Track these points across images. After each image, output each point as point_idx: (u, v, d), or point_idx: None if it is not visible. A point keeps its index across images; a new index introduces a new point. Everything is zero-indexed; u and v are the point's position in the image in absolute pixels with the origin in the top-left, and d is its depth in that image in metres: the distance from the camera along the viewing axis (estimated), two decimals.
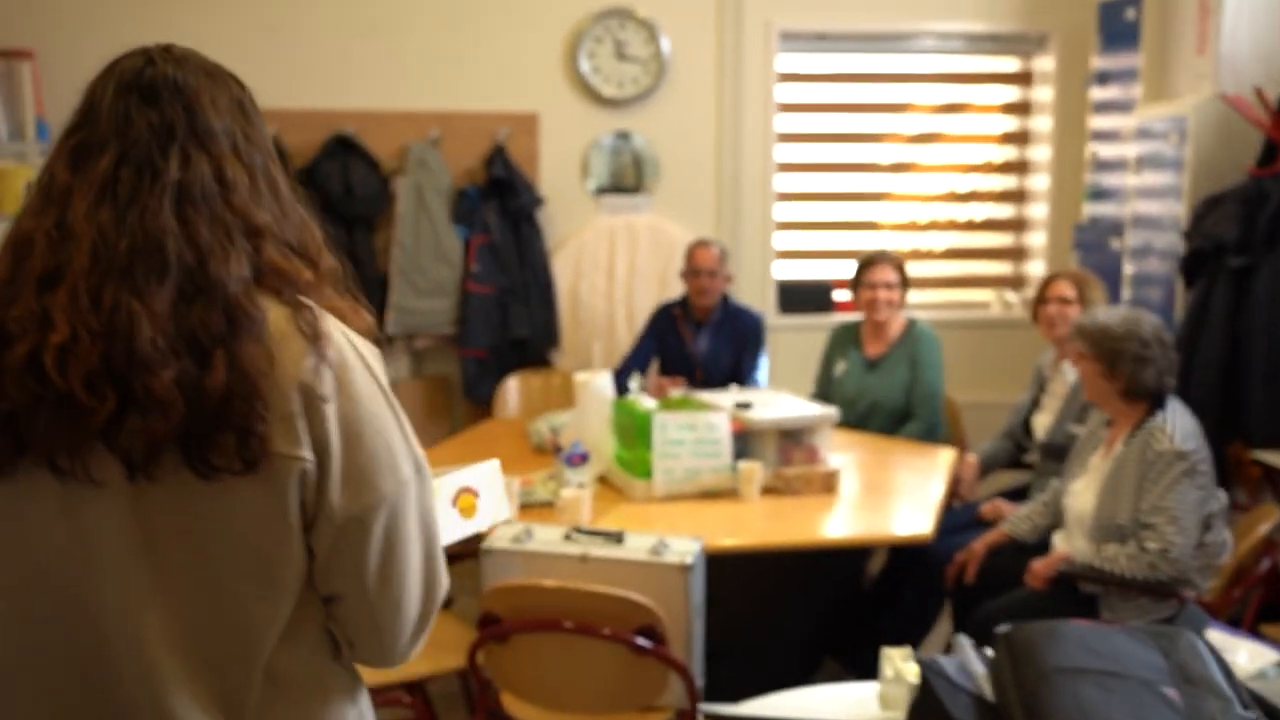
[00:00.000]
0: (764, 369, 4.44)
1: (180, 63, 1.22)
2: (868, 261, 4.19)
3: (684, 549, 2.60)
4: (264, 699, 1.18)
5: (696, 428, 3.19)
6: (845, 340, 4.28)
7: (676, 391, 3.71)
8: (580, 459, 3.10)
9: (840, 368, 4.23)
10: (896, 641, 3.42)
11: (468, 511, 1.42)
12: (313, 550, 1.18)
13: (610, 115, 5.00)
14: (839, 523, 3.10)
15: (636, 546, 2.61)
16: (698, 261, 4.31)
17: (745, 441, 3.30)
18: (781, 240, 5.22)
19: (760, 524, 3.04)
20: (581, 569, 2.58)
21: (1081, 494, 2.97)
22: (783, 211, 5.20)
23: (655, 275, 5.02)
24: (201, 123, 1.20)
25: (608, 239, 5.01)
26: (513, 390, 4.81)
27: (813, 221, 5.31)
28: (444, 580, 1.27)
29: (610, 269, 5.01)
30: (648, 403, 3.46)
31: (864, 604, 3.56)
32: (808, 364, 4.99)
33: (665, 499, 3.16)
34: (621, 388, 3.65)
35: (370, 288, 4.74)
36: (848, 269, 5.30)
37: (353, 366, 1.19)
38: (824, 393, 4.28)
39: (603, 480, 3.33)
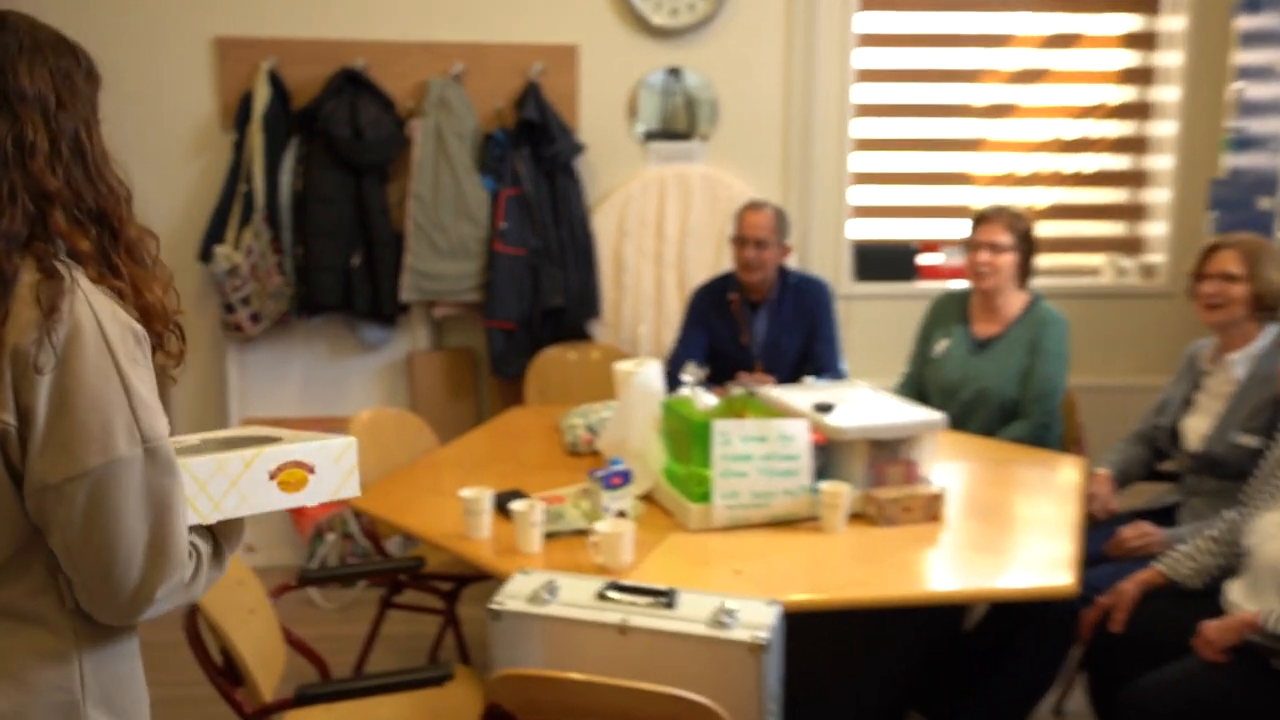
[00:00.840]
0: (840, 350, 3.75)
1: (2, 28, 1.30)
2: (978, 218, 3.47)
3: (757, 619, 1.96)
4: None
5: (768, 438, 2.53)
6: (949, 313, 3.58)
7: (741, 387, 3.04)
8: (620, 480, 2.45)
9: (941, 346, 3.53)
10: (1007, 702, 2.82)
11: (291, 486, 1.44)
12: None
13: (661, 48, 4.29)
14: (950, 567, 2.43)
15: (693, 613, 1.97)
16: (745, 227, 3.63)
17: (827, 455, 2.64)
18: (858, 195, 4.51)
19: (848, 568, 2.38)
20: (620, 644, 1.94)
21: (1277, 536, 2.29)
22: (860, 162, 4.48)
23: (711, 235, 4.34)
24: (10, 85, 1.28)
25: (656, 192, 4.32)
26: (546, 368, 4.17)
27: (895, 174, 4.58)
28: (175, 557, 1.29)
29: (659, 227, 4.32)
30: (706, 400, 2.80)
31: (965, 652, 2.89)
32: (884, 341, 4.32)
33: (727, 528, 2.52)
34: (673, 382, 3.00)
35: (383, 247, 4.10)
36: (935, 230, 4.61)
37: (85, 341, 1.24)
38: (918, 376, 3.59)
39: (648, 498, 2.68)
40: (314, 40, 4.13)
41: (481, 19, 4.21)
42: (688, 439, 2.61)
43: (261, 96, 4.03)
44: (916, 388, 3.57)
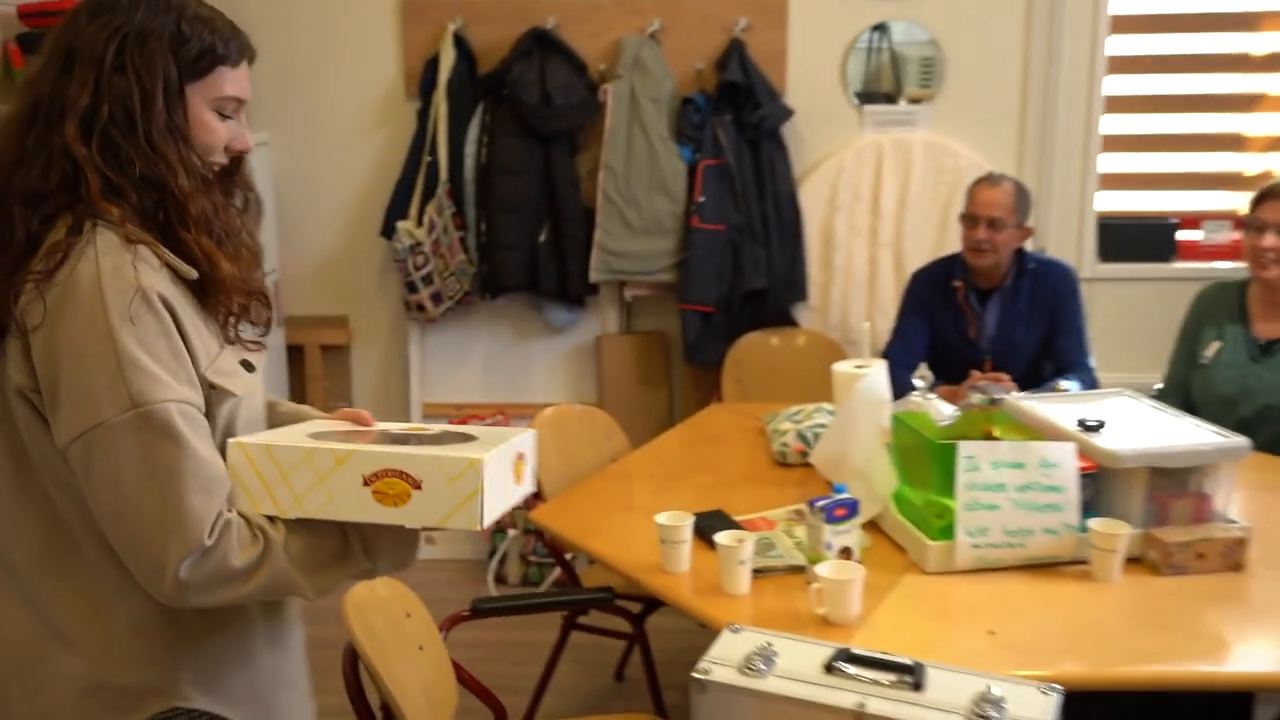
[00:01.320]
0: (1088, 345, 3.23)
1: None
2: (1263, 194, 2.90)
3: (1029, 712, 1.53)
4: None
5: (1025, 465, 2.08)
6: (1222, 308, 3.01)
7: (979, 393, 2.59)
8: (845, 511, 2.05)
9: (1212, 348, 2.97)
10: None
11: (387, 498, 1.27)
12: None
13: (880, 0, 3.82)
14: (1263, 638, 1.93)
15: (947, 698, 1.56)
16: (977, 204, 3.13)
17: (1097, 485, 2.17)
18: (1107, 162, 3.92)
19: (1130, 633, 1.92)
20: None
21: None
22: (1111, 124, 3.89)
23: (933, 210, 3.85)
24: (72, 39, 1.24)
25: (873, 162, 3.86)
26: (746, 356, 3.79)
27: (1151, 137, 3.97)
28: (189, 532, 1.20)
29: (875, 201, 3.86)
30: (942, 411, 2.37)
31: None
32: (1133, 332, 3.75)
33: (973, 571, 2.09)
34: (899, 388, 2.57)
35: (571, 223, 3.79)
36: (1197, 201, 3.98)
37: (77, 300, 1.19)
38: (1182, 382, 3.04)
39: (873, 526, 2.28)
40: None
41: None
42: (924, 460, 2.18)
43: (447, 60, 3.76)
44: (1181, 397, 3.02)
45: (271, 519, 1.28)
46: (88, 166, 1.22)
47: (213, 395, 1.28)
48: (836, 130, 3.88)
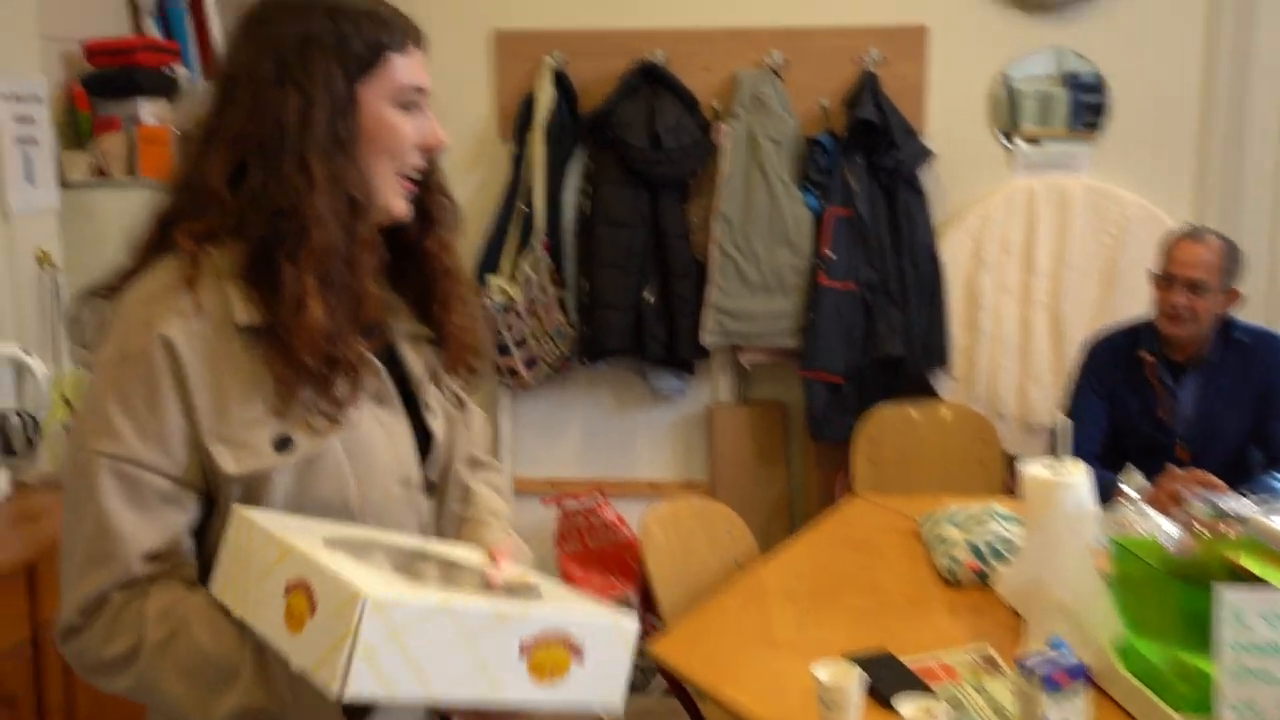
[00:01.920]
0: None
1: None
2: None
3: None
4: None
5: None
6: None
7: (1202, 504, 2.08)
8: (1068, 678, 1.57)
9: None
10: None
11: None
12: None
13: (1033, 26, 3.35)
14: None
15: None
16: (1177, 263, 2.64)
17: None
18: None
19: None
20: None
21: None
22: None
23: (1097, 266, 3.36)
24: (228, 69, 1.16)
25: (1024, 210, 3.38)
26: (880, 432, 3.32)
27: None
28: (63, 605, 1.10)
29: (1027, 255, 3.38)
30: (1166, 530, 1.88)
31: None
32: None
33: None
34: (1103, 492, 2.09)
35: (681, 280, 3.38)
36: None
37: (113, 329, 1.13)
38: None
39: (1091, 683, 1.78)
40: (605, 31, 3.46)
41: None
42: (1161, 603, 1.70)
43: (545, 99, 3.39)
44: None
45: (172, 603, 1.09)
46: (214, 202, 1.12)
47: (213, 466, 1.11)
48: (983, 174, 3.42)
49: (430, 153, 1.21)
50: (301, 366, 1.11)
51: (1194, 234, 2.68)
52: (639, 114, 3.35)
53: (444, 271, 1.27)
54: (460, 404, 1.34)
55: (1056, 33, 3.35)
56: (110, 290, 1.16)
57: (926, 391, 3.40)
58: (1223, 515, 1.99)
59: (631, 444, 3.66)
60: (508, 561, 1.17)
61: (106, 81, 2.91)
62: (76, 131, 2.91)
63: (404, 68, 1.17)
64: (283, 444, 1.12)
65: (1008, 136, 3.41)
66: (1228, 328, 2.69)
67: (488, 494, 1.39)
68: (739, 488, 3.54)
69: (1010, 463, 3.28)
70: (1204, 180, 3.36)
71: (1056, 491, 1.95)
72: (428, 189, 1.24)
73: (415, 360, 1.27)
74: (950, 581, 2.21)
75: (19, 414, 2.29)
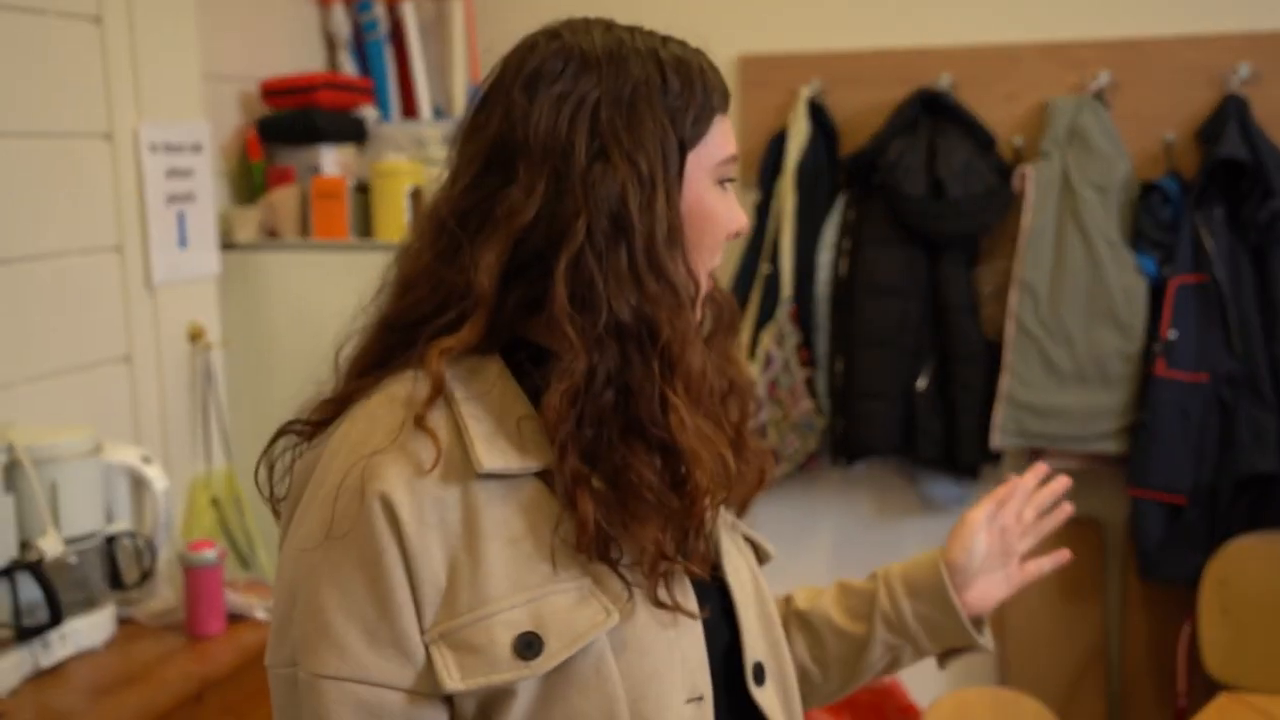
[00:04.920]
0: None
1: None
2: None
3: None
4: None
5: None
6: None
7: None
8: None
9: None
10: None
11: None
12: None
13: None
14: None
15: None
16: None
17: None
18: None
19: None
20: None
21: None
22: None
23: None
24: (499, 131, 0.89)
25: None
26: (1239, 575, 2.48)
27: None
28: None
29: None
30: None
31: None
32: None
33: None
34: None
35: (966, 363, 2.66)
36: None
37: (310, 497, 0.87)
38: None
39: None
40: (875, 51, 2.79)
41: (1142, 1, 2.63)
42: None
43: (799, 137, 2.75)
44: None
45: None
46: (483, 308, 0.84)
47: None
48: None
49: (730, 240, 0.95)
50: (695, 523, 0.87)
51: None
52: (916, 155, 2.66)
53: (735, 389, 1.00)
54: (756, 552, 1.06)
55: None
56: (315, 426, 0.90)
57: None
58: None
59: (895, 561, 2.93)
60: None
61: (281, 125, 2.51)
62: (249, 184, 2.52)
63: (725, 133, 0.92)
64: (527, 646, 0.82)
65: None
66: None
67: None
68: (1036, 629, 2.76)
69: None
70: None
71: None
72: (714, 291, 0.99)
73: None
74: None
75: (132, 536, 1.85)
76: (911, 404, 2.70)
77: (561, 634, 0.83)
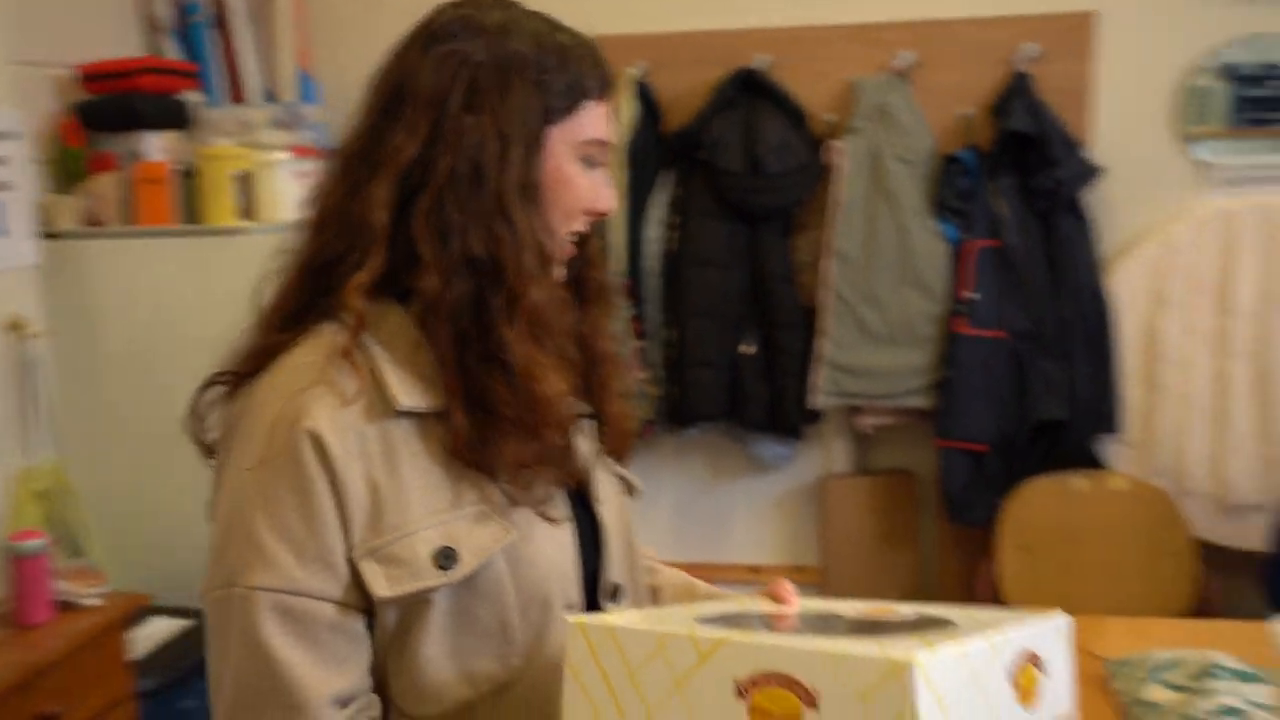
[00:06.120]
0: None
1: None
2: None
3: None
4: None
5: None
6: None
7: None
8: None
9: None
10: None
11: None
12: None
13: (1241, 9, 2.68)
14: None
15: None
16: None
17: None
18: None
19: None
20: None
21: None
22: None
23: None
24: (398, 80, 1.01)
25: (1218, 237, 2.71)
26: (1034, 513, 2.69)
27: None
28: None
29: (1225, 292, 2.71)
30: None
31: None
32: None
33: None
34: None
35: (786, 330, 2.81)
36: None
37: (240, 431, 0.96)
38: None
39: None
40: (696, 33, 2.91)
41: None
42: None
43: (625, 116, 2.85)
44: None
45: None
46: (380, 242, 0.96)
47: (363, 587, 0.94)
48: (1165, 194, 2.77)
49: (594, 219, 1.06)
50: (549, 443, 0.99)
51: None
52: (735, 132, 2.79)
53: (602, 356, 1.11)
54: (630, 489, 1.19)
55: (1268, 11, 2.67)
56: (241, 377, 0.98)
57: (1092, 463, 2.75)
58: None
59: (729, 522, 3.08)
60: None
61: (101, 111, 2.47)
62: (69, 172, 2.48)
63: (595, 118, 1.03)
64: (445, 558, 0.95)
65: (1197, 146, 2.75)
66: None
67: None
68: (857, 575, 2.95)
69: (1200, 550, 2.64)
70: None
71: None
72: (586, 262, 1.09)
73: (580, 440, 1.08)
74: None
75: None
76: (738, 370, 2.84)
77: (471, 548, 0.95)
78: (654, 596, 1.23)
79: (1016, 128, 2.65)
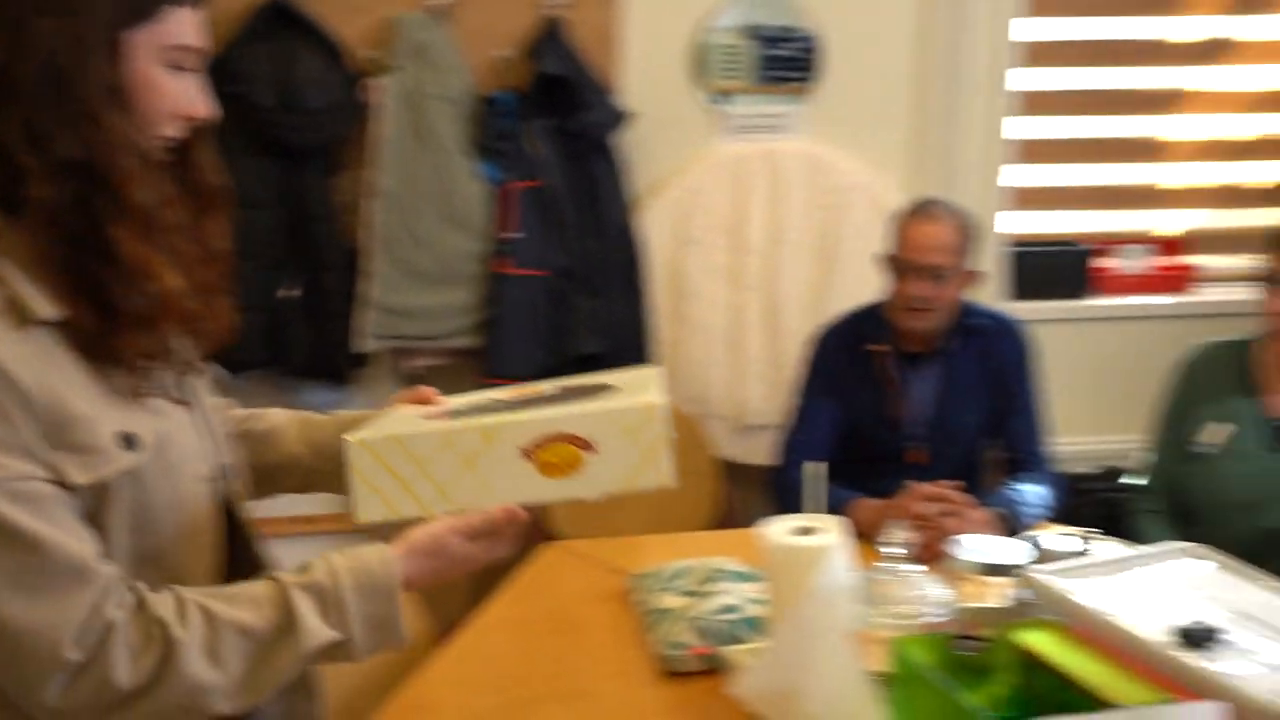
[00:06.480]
0: (1042, 428, 2.43)
1: None
2: (1277, 240, 2.19)
3: None
4: None
5: None
6: (1221, 378, 2.29)
7: (965, 560, 1.70)
8: None
9: (1218, 435, 2.24)
10: None
11: (556, 469, 1.14)
12: None
13: None
14: None
15: None
16: (914, 247, 2.28)
17: None
18: (1014, 175, 3.16)
19: None
20: None
21: None
22: (1019, 127, 3.14)
23: (809, 240, 2.99)
24: None
25: (732, 180, 2.96)
26: None
27: (1065, 140, 3.25)
28: (38, 653, 0.97)
29: (738, 231, 2.97)
30: (931, 597, 1.48)
31: None
32: (1058, 388, 2.99)
33: None
34: (790, 497, 1.65)
35: (329, 271, 2.74)
36: (1108, 221, 3.31)
37: None
38: (1171, 479, 2.30)
39: None
40: None
41: None
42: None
43: None
44: (1172, 499, 2.30)
45: (181, 600, 1.05)
46: None
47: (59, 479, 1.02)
48: (686, 139, 2.97)
49: (190, 124, 1.11)
50: (166, 336, 1.08)
51: (927, 211, 2.32)
52: (268, 65, 2.66)
53: (214, 254, 1.21)
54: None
55: None
56: None
57: None
58: (992, 569, 1.62)
59: None
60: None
61: None
62: None
63: (181, 23, 1.07)
64: (128, 442, 1.05)
65: (712, 94, 2.97)
66: (965, 312, 2.37)
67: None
68: None
69: (723, 468, 2.90)
70: (919, 138, 3.05)
71: (810, 564, 1.49)
72: (193, 167, 1.15)
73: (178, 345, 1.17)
74: (675, 672, 1.73)
75: None
76: (279, 314, 2.74)
77: (144, 431, 1.07)
78: (276, 436, 1.41)
79: (549, 70, 2.73)
